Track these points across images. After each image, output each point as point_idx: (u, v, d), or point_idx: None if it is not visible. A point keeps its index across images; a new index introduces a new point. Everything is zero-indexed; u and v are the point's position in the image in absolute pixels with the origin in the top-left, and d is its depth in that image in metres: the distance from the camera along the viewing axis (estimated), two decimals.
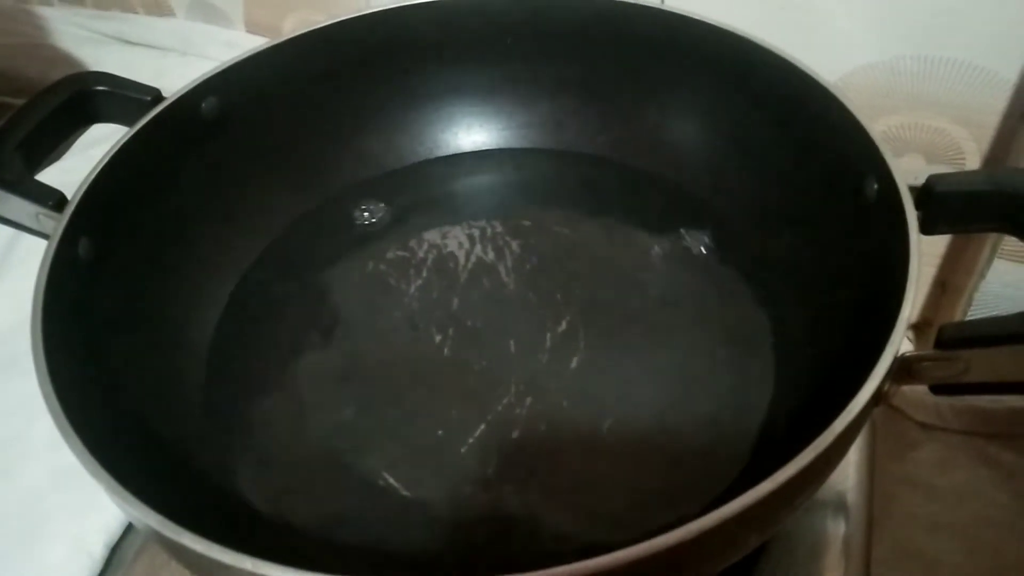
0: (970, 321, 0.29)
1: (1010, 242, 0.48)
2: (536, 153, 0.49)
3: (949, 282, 0.52)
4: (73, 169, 0.39)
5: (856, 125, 0.36)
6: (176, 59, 0.68)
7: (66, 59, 0.69)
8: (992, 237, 0.48)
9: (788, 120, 0.41)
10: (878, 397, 0.28)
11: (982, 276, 0.49)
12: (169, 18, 0.70)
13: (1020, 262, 0.48)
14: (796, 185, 0.40)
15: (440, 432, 0.37)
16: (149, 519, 0.25)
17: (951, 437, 0.53)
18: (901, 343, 0.28)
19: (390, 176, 0.48)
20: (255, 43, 0.44)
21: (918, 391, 0.52)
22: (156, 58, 0.68)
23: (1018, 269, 0.48)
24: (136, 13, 0.71)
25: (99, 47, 0.69)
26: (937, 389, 0.30)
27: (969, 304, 0.51)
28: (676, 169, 0.46)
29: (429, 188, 0.48)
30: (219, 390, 0.39)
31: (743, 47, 0.41)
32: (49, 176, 0.37)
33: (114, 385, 0.34)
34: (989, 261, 0.49)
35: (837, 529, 0.40)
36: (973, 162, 0.49)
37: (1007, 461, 0.53)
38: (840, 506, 0.40)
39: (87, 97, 0.39)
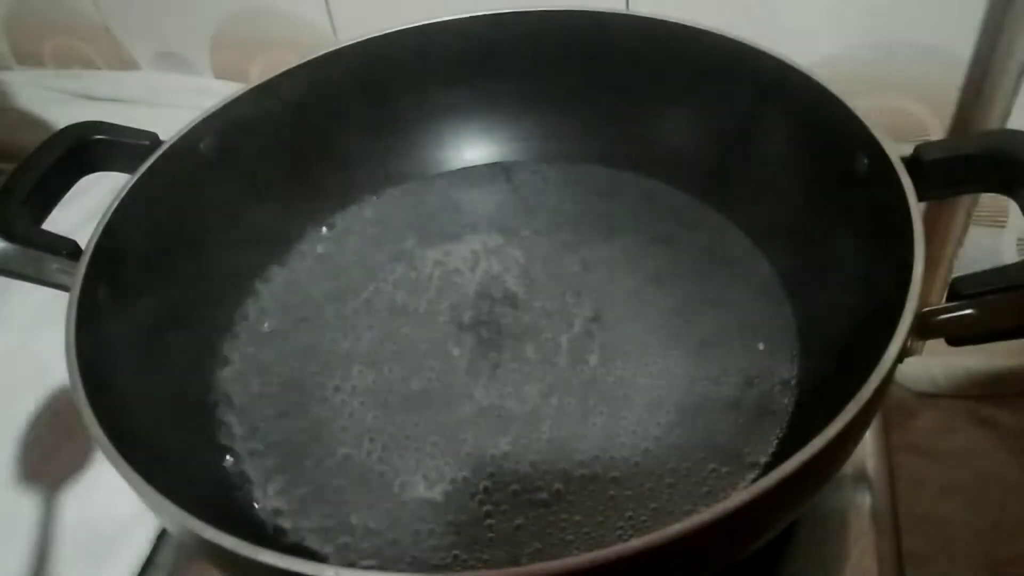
0: (981, 271, 0.30)
1: (984, 208, 0.50)
2: (526, 165, 0.50)
3: (927, 253, 0.54)
4: (64, 218, 0.39)
5: (839, 105, 0.37)
6: (145, 111, 0.67)
7: (32, 121, 0.68)
8: (967, 205, 0.50)
9: (770, 109, 0.42)
10: (903, 352, 0.29)
11: (960, 244, 0.52)
12: (134, 71, 0.70)
13: (995, 227, 0.51)
14: (790, 172, 0.41)
15: (466, 438, 0.38)
16: (190, 524, 0.26)
17: (946, 402, 0.55)
18: (918, 299, 0.30)
19: (385, 198, 0.49)
20: (224, 89, 0.44)
21: (910, 362, 0.54)
22: (124, 111, 0.67)
23: (994, 233, 0.51)
24: (99, 69, 0.71)
25: (64, 106, 0.69)
26: (954, 341, 0.31)
27: (950, 272, 0.53)
28: (666, 168, 0.47)
29: (425, 207, 0.49)
30: (238, 416, 0.40)
31: (714, 43, 0.43)
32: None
33: (149, 420, 0.34)
34: (965, 228, 0.51)
35: (863, 499, 0.41)
36: (937, 137, 0.51)
37: (1002, 420, 0.55)
38: (862, 476, 0.42)
39: (86, 147, 0.40)
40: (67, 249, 0.36)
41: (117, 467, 0.28)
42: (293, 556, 0.25)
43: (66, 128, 0.40)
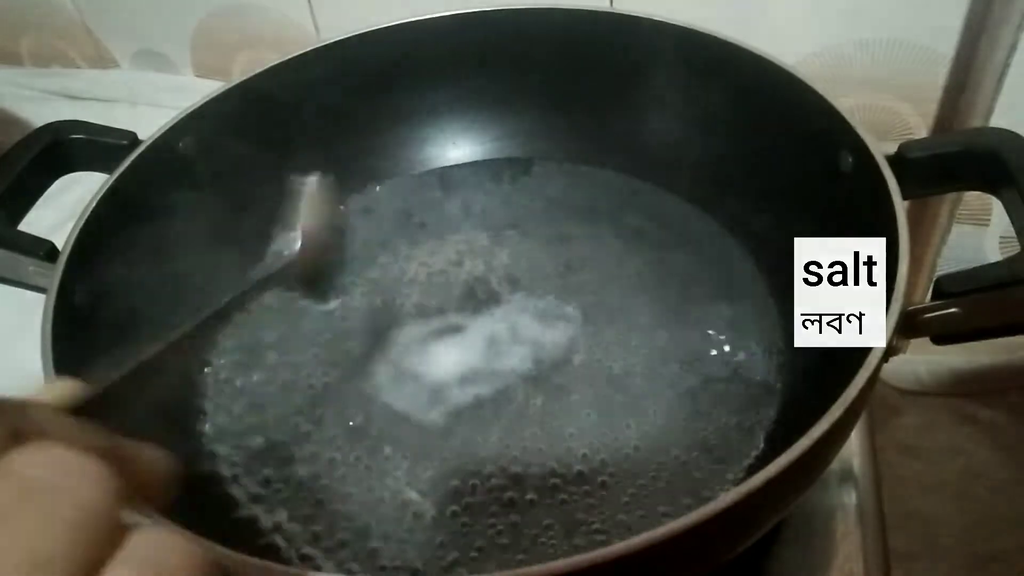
0: (966, 270, 0.30)
1: (968, 207, 0.50)
2: (511, 163, 0.50)
3: (911, 251, 0.55)
4: (41, 219, 0.39)
5: (823, 103, 0.37)
6: (124, 109, 0.67)
7: (9, 120, 0.67)
8: (950, 203, 0.50)
9: (753, 107, 0.42)
10: (888, 351, 0.29)
11: (944, 242, 0.52)
12: (113, 70, 0.69)
13: (979, 225, 0.51)
14: (775, 170, 0.41)
15: (459, 442, 0.37)
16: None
17: (931, 400, 0.56)
18: (903, 298, 0.29)
19: (368, 197, 0.49)
20: (205, 87, 0.44)
21: (895, 360, 0.54)
22: (103, 110, 0.67)
23: (977, 231, 0.51)
24: (78, 67, 0.70)
25: (42, 104, 0.68)
26: (939, 339, 0.31)
27: (934, 270, 0.53)
28: (650, 167, 0.47)
29: (409, 207, 0.49)
30: (220, 421, 0.40)
31: (699, 41, 0.43)
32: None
33: (128, 428, 0.33)
34: (949, 227, 0.51)
35: (849, 497, 0.41)
36: (921, 135, 0.51)
37: (985, 417, 0.55)
38: (848, 475, 0.42)
39: (63, 146, 0.39)
40: (43, 250, 0.36)
41: None
42: (276, 561, 0.24)
43: (43, 127, 0.39)
